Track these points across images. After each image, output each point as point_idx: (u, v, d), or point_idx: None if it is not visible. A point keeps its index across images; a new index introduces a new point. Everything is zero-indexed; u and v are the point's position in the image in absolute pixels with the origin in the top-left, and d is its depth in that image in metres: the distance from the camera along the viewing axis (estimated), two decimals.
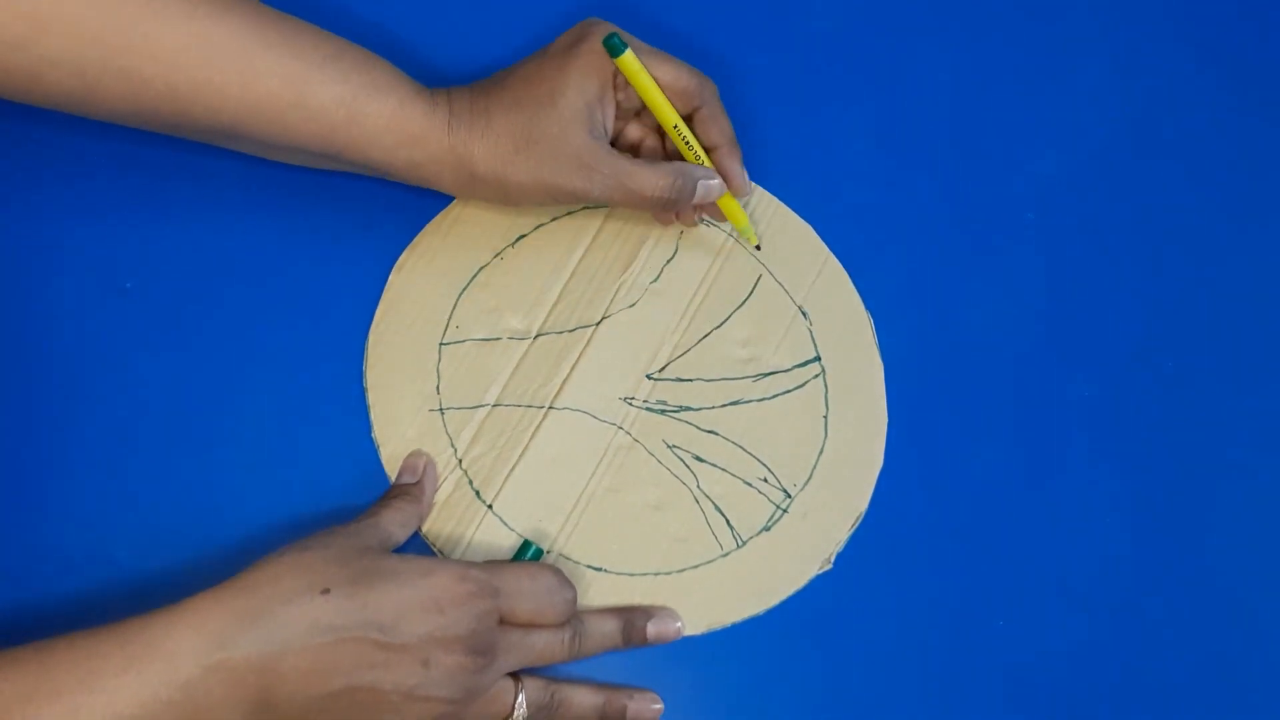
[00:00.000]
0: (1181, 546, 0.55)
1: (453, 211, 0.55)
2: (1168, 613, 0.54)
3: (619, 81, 0.51)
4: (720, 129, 0.53)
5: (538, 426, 0.52)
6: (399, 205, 0.55)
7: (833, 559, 0.52)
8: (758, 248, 0.56)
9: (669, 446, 0.53)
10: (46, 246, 0.53)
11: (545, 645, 0.46)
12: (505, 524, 0.51)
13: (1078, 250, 0.60)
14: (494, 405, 0.52)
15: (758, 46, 0.62)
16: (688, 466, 0.53)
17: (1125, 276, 0.59)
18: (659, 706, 0.48)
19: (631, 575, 0.51)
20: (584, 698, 0.47)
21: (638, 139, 0.55)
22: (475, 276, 0.54)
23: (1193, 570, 0.54)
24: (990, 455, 0.55)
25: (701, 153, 0.53)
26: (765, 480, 0.53)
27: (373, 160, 0.50)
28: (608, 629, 0.48)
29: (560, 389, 0.53)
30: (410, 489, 0.49)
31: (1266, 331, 0.59)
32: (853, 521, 0.53)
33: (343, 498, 0.51)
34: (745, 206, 0.56)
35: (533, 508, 0.51)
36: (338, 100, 0.48)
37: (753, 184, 0.58)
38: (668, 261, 0.56)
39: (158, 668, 0.39)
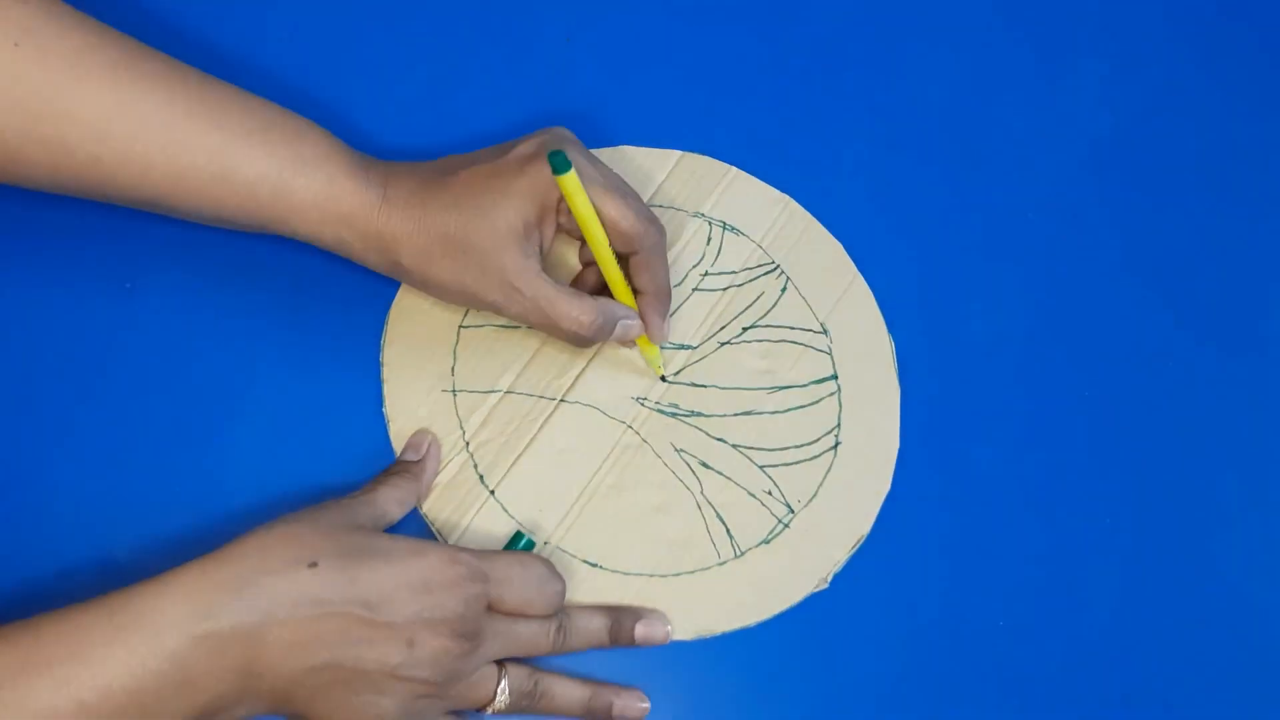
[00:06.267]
0: (1189, 554, 0.54)
1: None
2: (1174, 624, 0.53)
3: (564, 205, 0.49)
4: (653, 277, 0.51)
5: (548, 418, 0.52)
6: None
7: (830, 579, 0.52)
8: (662, 378, 0.54)
9: (676, 450, 0.53)
10: (47, 245, 0.53)
11: (531, 635, 0.46)
12: (506, 511, 0.51)
13: (1087, 258, 0.59)
14: (506, 392, 0.53)
15: (759, 47, 0.62)
16: (693, 472, 0.52)
17: (1131, 282, 0.59)
18: (645, 705, 0.48)
19: (626, 574, 0.50)
20: (569, 689, 0.47)
21: (589, 259, 0.53)
22: None
23: (1199, 578, 0.54)
24: (1000, 481, 0.55)
25: (627, 291, 0.51)
26: (770, 493, 0.53)
27: (299, 234, 0.48)
28: (595, 625, 0.48)
29: (574, 383, 0.53)
30: (411, 467, 0.49)
31: None
32: (854, 543, 0.52)
33: (349, 469, 0.51)
34: (773, 217, 0.57)
35: (534, 497, 0.51)
36: (263, 175, 0.47)
37: (786, 196, 0.58)
38: (694, 266, 0.56)
39: (145, 638, 0.39)
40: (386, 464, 0.51)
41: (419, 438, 0.51)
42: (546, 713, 0.47)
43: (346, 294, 0.54)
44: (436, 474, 0.51)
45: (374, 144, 0.55)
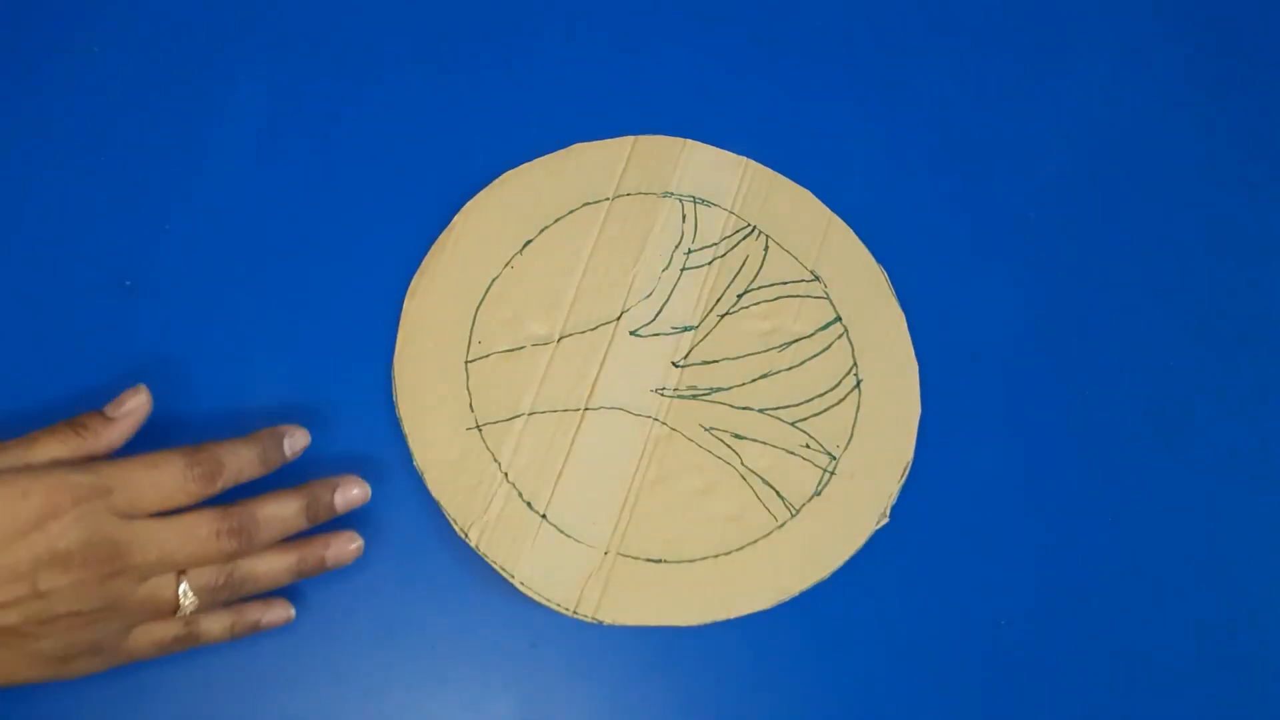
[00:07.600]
0: (1193, 553, 0.56)
1: (455, 229, 0.55)
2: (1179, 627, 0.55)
3: None
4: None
5: (577, 429, 0.52)
6: (398, 233, 0.55)
7: (889, 512, 0.52)
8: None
9: (707, 430, 0.53)
10: (47, 245, 0.53)
11: (190, 533, 0.42)
12: (562, 531, 0.51)
13: (1083, 253, 0.60)
14: (529, 414, 0.52)
15: (759, 48, 0.62)
16: (729, 446, 0.53)
17: (1133, 279, 0.60)
18: (357, 544, 0.47)
19: (691, 561, 0.51)
20: (273, 561, 0.45)
21: None
22: (489, 289, 0.54)
23: (1200, 576, 0.55)
24: (1015, 456, 0.56)
25: None
26: (808, 446, 0.53)
27: None
28: (287, 511, 0.45)
29: (592, 389, 0.53)
30: (93, 423, 0.44)
31: None
32: (901, 472, 0.53)
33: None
34: (737, 180, 0.57)
35: (584, 510, 0.51)
36: None
37: (743, 158, 0.58)
38: (675, 246, 0.56)
39: None
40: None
41: (129, 397, 0.45)
42: (256, 591, 0.45)
43: (354, 288, 0.54)
44: (135, 428, 0.45)
45: (374, 145, 0.55)
